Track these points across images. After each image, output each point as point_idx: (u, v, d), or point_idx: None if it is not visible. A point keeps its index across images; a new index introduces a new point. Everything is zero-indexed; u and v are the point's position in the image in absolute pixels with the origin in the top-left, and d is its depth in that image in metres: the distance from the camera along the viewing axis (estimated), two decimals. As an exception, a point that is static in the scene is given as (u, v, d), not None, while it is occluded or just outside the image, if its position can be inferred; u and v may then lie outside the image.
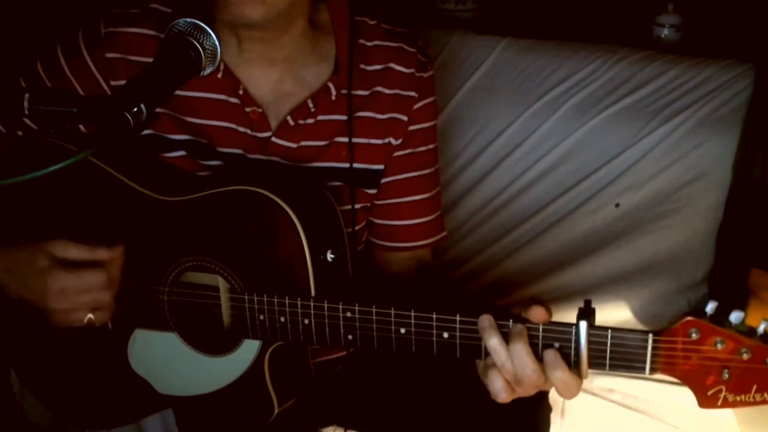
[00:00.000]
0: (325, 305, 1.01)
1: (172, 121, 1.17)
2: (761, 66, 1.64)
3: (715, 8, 1.90)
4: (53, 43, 1.17)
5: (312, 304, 1.02)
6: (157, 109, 1.04)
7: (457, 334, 0.95)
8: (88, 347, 1.17)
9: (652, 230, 1.62)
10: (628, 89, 1.71)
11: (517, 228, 1.71)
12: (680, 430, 1.42)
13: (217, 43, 0.96)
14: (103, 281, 1.04)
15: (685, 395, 0.91)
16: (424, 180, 1.25)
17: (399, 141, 1.21)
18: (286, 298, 1.03)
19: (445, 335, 0.96)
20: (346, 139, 1.18)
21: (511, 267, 1.68)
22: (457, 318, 0.95)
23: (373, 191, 1.23)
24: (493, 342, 0.92)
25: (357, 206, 1.21)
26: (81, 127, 1.15)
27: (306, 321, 1.03)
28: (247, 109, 1.15)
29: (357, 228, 1.24)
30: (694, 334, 0.86)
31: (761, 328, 0.85)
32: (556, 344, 0.92)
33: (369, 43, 1.20)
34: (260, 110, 1.15)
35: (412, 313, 0.97)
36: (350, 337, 1.01)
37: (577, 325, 0.90)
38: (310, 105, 1.16)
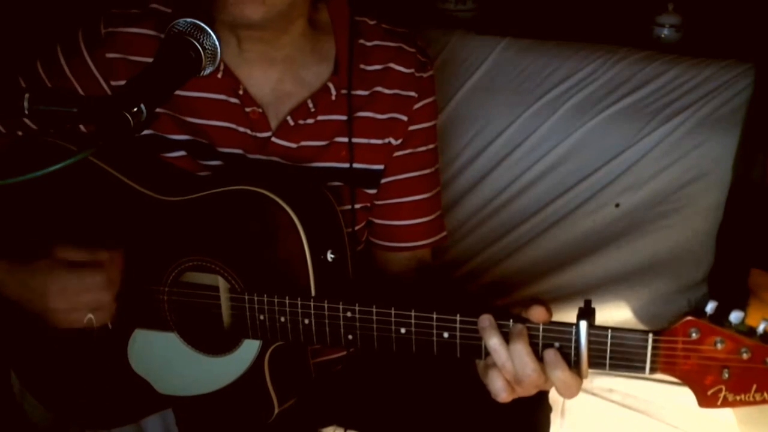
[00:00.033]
0: (326, 305, 1.01)
1: (172, 121, 1.17)
2: (761, 66, 1.64)
3: (715, 8, 1.90)
4: (53, 43, 1.17)
5: (312, 303, 1.02)
6: (157, 109, 1.04)
7: (458, 333, 0.95)
8: (88, 347, 1.17)
9: (652, 230, 1.62)
10: (628, 89, 1.71)
11: (517, 228, 1.71)
12: (680, 430, 1.42)
13: (217, 43, 0.96)
14: (103, 281, 1.04)
15: (685, 395, 0.91)
16: (424, 180, 1.25)
17: (399, 141, 1.21)
18: (286, 298, 1.03)
19: (446, 335, 0.96)
20: (346, 139, 1.18)
21: (511, 267, 1.68)
22: (458, 318, 0.95)
23: (373, 191, 1.23)
24: (494, 342, 0.92)
25: (357, 206, 1.21)
26: (81, 127, 1.15)
27: (306, 321, 1.03)
28: (247, 109, 1.15)
29: (357, 228, 1.24)
30: (694, 334, 0.86)
31: (761, 328, 0.85)
32: (557, 344, 0.92)
33: (369, 43, 1.20)
34: (260, 110, 1.15)
35: (413, 313, 0.97)
36: (350, 337, 1.01)
37: (577, 325, 0.90)
38: (310, 105, 1.16)
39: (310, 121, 1.17)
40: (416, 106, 1.21)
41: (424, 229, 1.27)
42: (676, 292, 1.58)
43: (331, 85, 1.17)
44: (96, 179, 1.12)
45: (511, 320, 0.93)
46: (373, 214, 1.26)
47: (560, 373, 0.91)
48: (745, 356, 0.85)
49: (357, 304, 1.00)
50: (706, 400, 0.88)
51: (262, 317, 1.05)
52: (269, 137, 1.17)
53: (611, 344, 0.89)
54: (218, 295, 1.08)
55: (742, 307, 0.86)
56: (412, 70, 1.20)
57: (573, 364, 0.91)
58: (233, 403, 1.12)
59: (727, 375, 0.86)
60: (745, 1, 1.86)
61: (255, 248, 1.05)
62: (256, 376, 1.09)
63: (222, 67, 1.13)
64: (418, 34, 1.25)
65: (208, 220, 1.08)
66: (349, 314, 1.00)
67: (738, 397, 0.87)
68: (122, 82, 1.11)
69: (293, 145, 1.17)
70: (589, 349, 0.90)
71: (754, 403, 0.87)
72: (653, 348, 0.88)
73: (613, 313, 1.57)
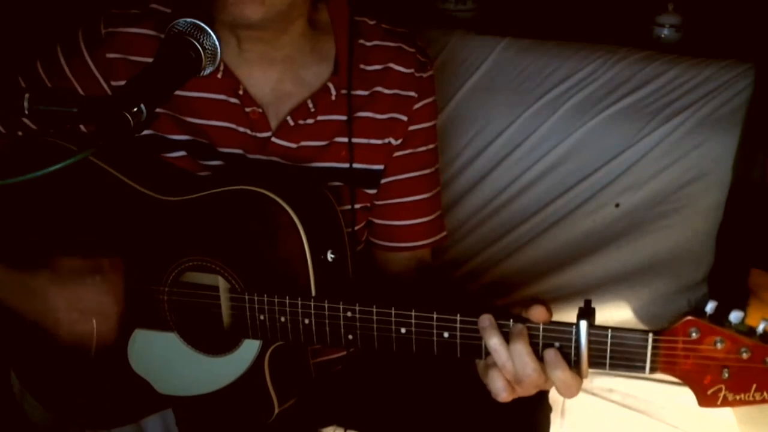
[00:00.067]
0: (326, 305, 1.01)
1: (173, 121, 1.17)
2: (761, 66, 1.64)
3: (715, 8, 1.90)
4: (53, 43, 1.17)
5: (312, 303, 1.02)
6: (157, 109, 1.04)
7: (458, 333, 0.95)
8: (87, 347, 1.17)
9: (652, 230, 1.62)
10: (628, 89, 1.71)
11: (517, 228, 1.71)
12: (680, 430, 1.42)
13: (217, 43, 0.96)
14: (106, 288, 1.04)
15: (685, 395, 0.91)
16: (424, 180, 1.25)
17: (399, 141, 1.21)
18: (287, 297, 1.03)
19: (446, 335, 0.96)
20: (345, 139, 1.18)
21: (511, 267, 1.68)
22: (458, 318, 0.95)
23: (373, 191, 1.23)
24: (494, 341, 0.92)
25: (357, 206, 1.21)
26: (81, 127, 1.15)
27: (306, 321, 1.03)
28: (247, 109, 1.15)
29: (357, 228, 1.24)
30: (693, 334, 0.87)
31: (761, 328, 0.85)
32: (557, 344, 0.92)
33: (369, 43, 1.20)
34: (260, 110, 1.15)
35: (413, 313, 0.97)
36: (350, 336, 1.01)
37: (577, 325, 0.90)
38: (310, 105, 1.16)
39: (310, 121, 1.17)
40: (416, 106, 1.21)
41: (424, 229, 1.27)
42: (676, 292, 1.58)
43: (331, 85, 1.17)
44: (96, 179, 1.12)
45: (511, 320, 0.93)
46: (373, 214, 1.26)
47: (560, 372, 0.91)
48: (744, 356, 0.85)
49: (357, 304, 1.00)
50: (705, 399, 0.88)
51: (262, 317, 1.05)
52: (269, 137, 1.17)
53: (611, 344, 0.89)
54: (218, 295, 1.08)
55: (742, 307, 0.86)
56: (411, 70, 1.20)
57: (573, 364, 0.91)
58: (233, 403, 1.12)
59: (726, 375, 0.87)
60: (745, 1, 1.86)
61: (255, 248, 1.05)
62: (256, 376, 1.09)
63: (222, 67, 1.13)
64: (418, 34, 1.25)
65: (208, 220, 1.08)
66: (349, 314, 1.00)
67: (738, 397, 0.87)
68: (122, 82, 1.11)
69: (293, 145, 1.17)
70: (589, 349, 0.90)
71: (754, 402, 0.87)
72: (653, 348, 0.88)
73: (613, 313, 1.57)
